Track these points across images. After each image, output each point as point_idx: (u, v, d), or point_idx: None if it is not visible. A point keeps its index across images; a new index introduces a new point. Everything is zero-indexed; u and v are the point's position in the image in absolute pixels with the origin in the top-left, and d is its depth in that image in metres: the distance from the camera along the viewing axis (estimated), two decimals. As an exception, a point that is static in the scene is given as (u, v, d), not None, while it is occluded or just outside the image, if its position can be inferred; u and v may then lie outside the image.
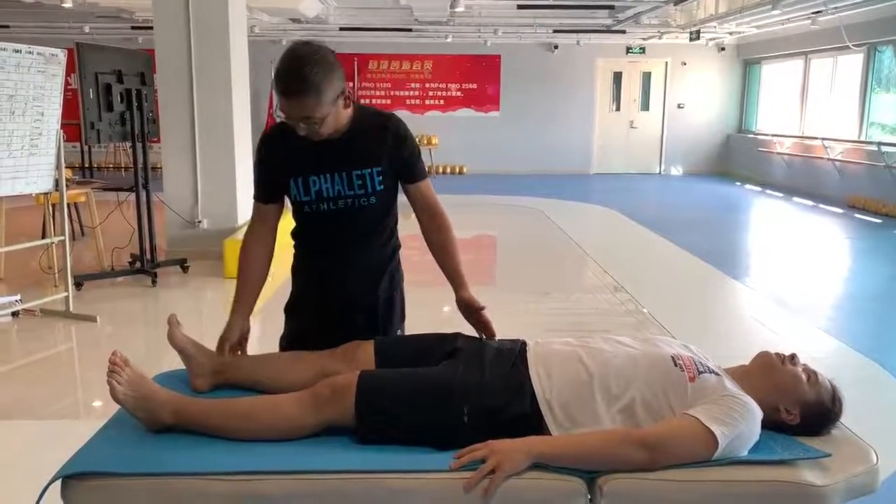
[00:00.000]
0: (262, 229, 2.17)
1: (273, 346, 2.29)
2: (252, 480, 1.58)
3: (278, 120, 1.95)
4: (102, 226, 6.29)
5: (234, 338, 2.08)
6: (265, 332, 2.26)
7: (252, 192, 2.18)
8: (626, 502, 1.60)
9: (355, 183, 2.05)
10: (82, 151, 11.51)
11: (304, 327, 2.22)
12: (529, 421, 1.73)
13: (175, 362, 2.05)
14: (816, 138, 11.39)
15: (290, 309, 2.26)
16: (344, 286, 2.16)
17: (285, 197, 2.14)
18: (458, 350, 1.93)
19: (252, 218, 2.20)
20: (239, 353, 2.10)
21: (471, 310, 2.10)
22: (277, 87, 1.89)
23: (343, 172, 2.04)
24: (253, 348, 2.18)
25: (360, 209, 2.07)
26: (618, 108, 14.65)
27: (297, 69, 1.86)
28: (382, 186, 2.08)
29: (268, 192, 2.14)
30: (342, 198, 2.05)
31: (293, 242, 2.23)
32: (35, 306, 4.87)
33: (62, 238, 4.85)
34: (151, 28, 6.41)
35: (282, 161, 2.07)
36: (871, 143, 10.30)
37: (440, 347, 1.96)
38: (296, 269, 2.26)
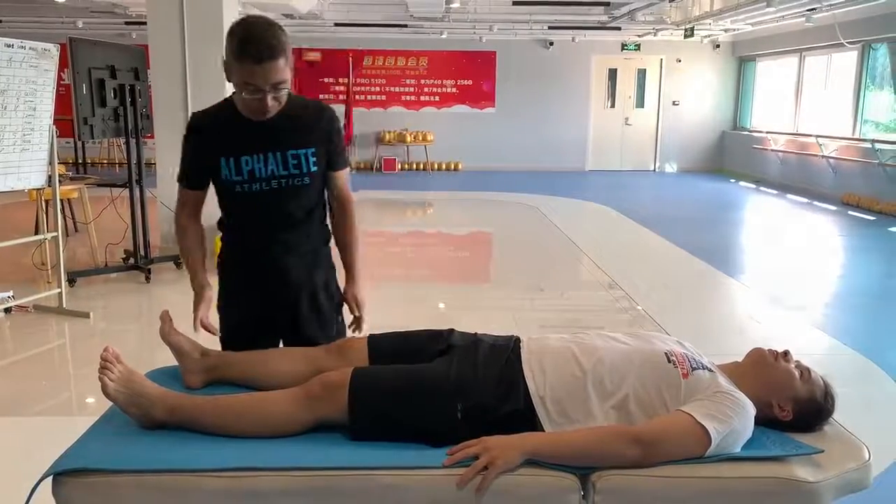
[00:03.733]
0: (192, 211, 2.17)
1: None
2: (245, 477, 1.58)
3: (239, 96, 1.96)
4: (96, 222, 6.27)
5: (202, 300, 2.09)
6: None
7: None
8: (620, 498, 1.60)
9: (290, 163, 2.05)
10: (75, 147, 11.48)
11: (246, 317, 2.18)
12: (523, 417, 1.73)
13: (168, 359, 2.04)
14: (811, 135, 11.42)
15: (224, 304, 2.22)
16: (285, 270, 2.14)
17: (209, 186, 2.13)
18: (451, 346, 1.93)
19: (179, 203, 2.18)
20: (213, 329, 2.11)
21: (349, 306, 2.18)
22: (246, 55, 1.84)
23: (278, 152, 2.04)
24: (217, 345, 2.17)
25: (294, 189, 2.08)
26: (613, 105, 14.65)
27: (263, 35, 1.85)
28: (316, 168, 2.09)
29: (196, 176, 2.13)
30: (276, 177, 2.05)
31: (220, 235, 2.20)
32: (28, 302, 4.85)
33: (55, 234, 4.84)
34: (145, 23, 6.38)
35: (212, 142, 2.07)
36: (865, 140, 10.34)
37: (434, 344, 1.96)
38: (224, 262, 2.22)
